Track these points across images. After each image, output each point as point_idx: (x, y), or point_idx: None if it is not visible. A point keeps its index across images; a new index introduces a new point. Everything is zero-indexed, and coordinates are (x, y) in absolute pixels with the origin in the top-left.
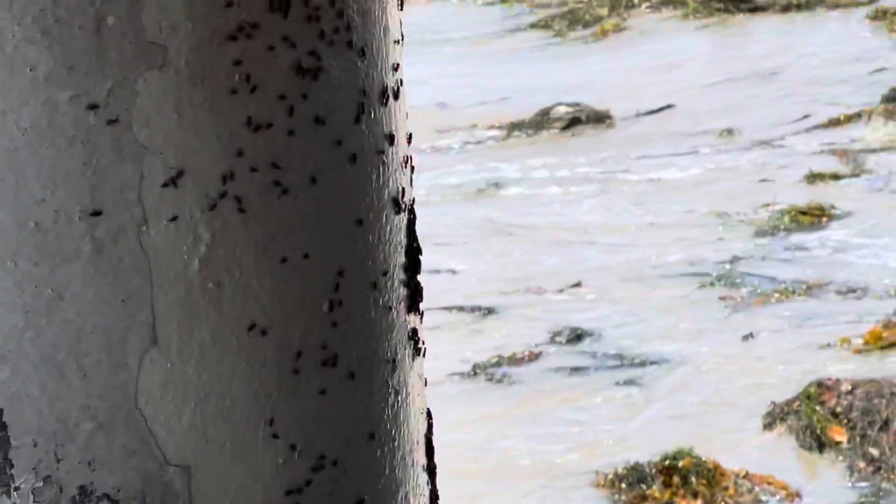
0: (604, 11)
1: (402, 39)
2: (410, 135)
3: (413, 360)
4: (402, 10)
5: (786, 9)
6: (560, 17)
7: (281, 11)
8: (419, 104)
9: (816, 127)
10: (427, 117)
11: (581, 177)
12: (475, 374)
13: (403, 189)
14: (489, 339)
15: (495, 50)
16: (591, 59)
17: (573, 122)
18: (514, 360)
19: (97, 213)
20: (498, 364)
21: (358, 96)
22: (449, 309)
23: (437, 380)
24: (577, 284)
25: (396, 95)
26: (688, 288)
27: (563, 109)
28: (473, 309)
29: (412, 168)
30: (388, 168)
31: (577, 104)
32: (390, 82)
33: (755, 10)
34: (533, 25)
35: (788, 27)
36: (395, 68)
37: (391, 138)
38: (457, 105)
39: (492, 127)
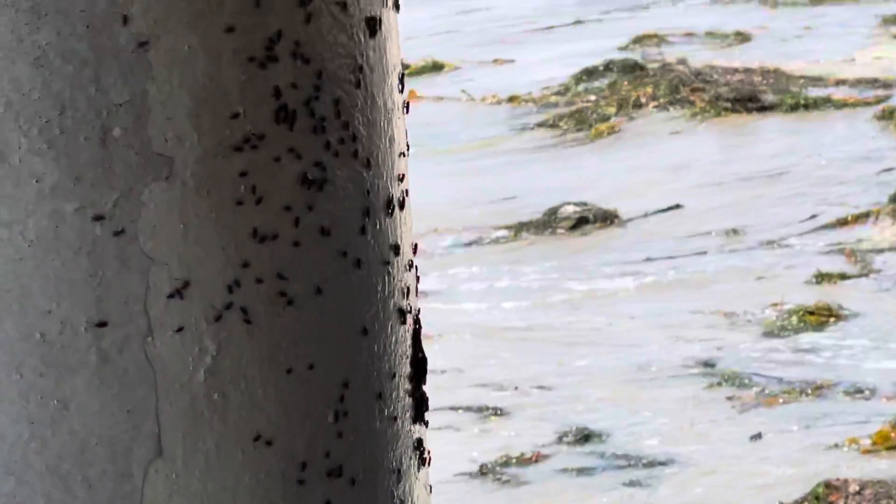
0: (611, 111)
1: (408, 149)
2: (416, 245)
3: (418, 469)
4: (407, 113)
5: (793, 109)
6: (567, 116)
7: (287, 123)
8: (426, 202)
9: (824, 227)
10: (432, 217)
11: (587, 277)
12: (483, 474)
13: (409, 299)
14: (496, 438)
15: (502, 149)
16: (599, 159)
17: (581, 222)
18: (522, 461)
19: (103, 324)
20: (506, 464)
21: (363, 207)
22: (455, 409)
23: (443, 478)
24: (585, 384)
25: (402, 205)
26: (695, 388)
27: (570, 209)
28: (480, 409)
29: (417, 278)
30: (394, 278)
31: (585, 204)
32: (396, 192)
33: (763, 109)
34: (540, 125)
35: (796, 127)
36: (401, 179)
37: (396, 248)
38: (464, 204)
39: (499, 227)
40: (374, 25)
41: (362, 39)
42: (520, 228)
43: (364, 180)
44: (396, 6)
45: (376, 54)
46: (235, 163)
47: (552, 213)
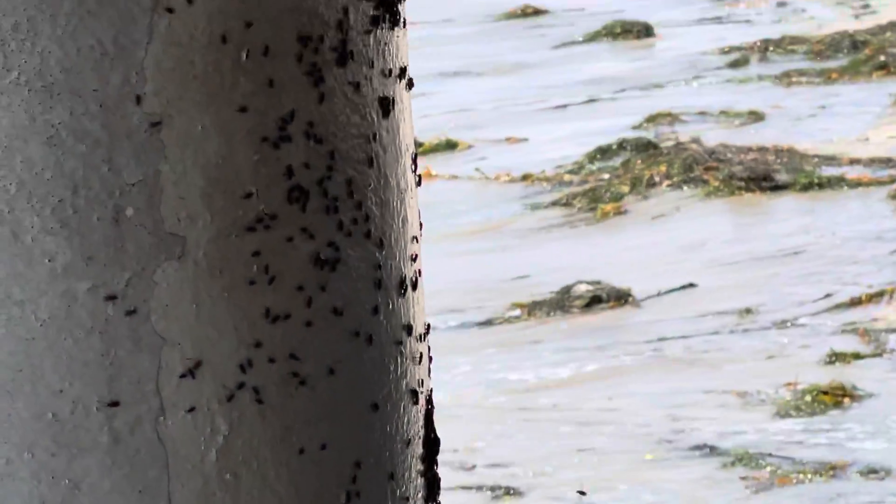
0: (625, 189)
1: (421, 228)
2: (429, 325)
3: None
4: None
5: (806, 188)
6: (581, 195)
7: (300, 203)
8: (438, 281)
9: (838, 306)
10: (445, 295)
11: (600, 355)
12: None
13: (421, 380)
14: None
15: (515, 228)
16: (612, 237)
17: (594, 301)
18: None
19: (115, 404)
20: None
21: (376, 287)
22: (468, 488)
23: None
24: (597, 464)
25: (415, 286)
26: (708, 468)
27: (583, 288)
28: (493, 488)
29: (430, 358)
30: (406, 359)
31: (598, 282)
32: (409, 272)
33: (777, 188)
34: (553, 203)
35: (810, 206)
36: (414, 259)
37: (409, 328)
38: (477, 283)
39: (512, 306)
40: (387, 106)
41: (375, 120)
42: (533, 307)
43: (377, 260)
44: (410, 85)
45: (389, 135)
46: (248, 243)
47: (565, 291)
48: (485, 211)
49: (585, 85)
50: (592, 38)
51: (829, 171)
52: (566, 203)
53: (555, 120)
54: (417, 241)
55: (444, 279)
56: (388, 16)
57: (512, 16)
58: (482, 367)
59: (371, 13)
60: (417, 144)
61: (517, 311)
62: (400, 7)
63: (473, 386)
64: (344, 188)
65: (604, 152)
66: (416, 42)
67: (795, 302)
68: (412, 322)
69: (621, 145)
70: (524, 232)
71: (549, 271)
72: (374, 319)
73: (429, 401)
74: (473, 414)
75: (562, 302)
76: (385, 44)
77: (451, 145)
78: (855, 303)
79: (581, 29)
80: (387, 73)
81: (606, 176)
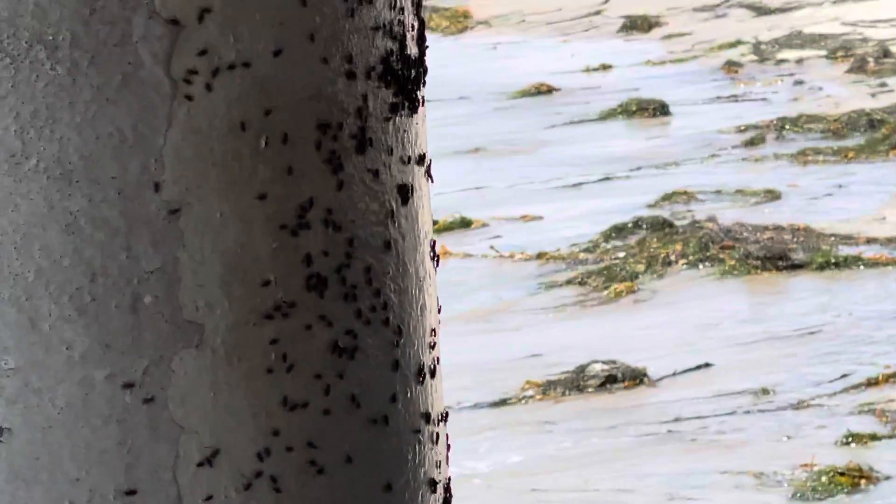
0: (640, 268)
1: (440, 311)
2: (447, 412)
3: None
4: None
5: (823, 267)
6: (596, 273)
7: (318, 290)
8: (453, 361)
9: (855, 386)
10: (460, 374)
11: (615, 436)
12: None
13: (440, 468)
14: None
15: (530, 307)
16: (627, 316)
17: (609, 380)
18: None
19: (132, 493)
20: None
21: (394, 375)
22: None
23: None
24: None
25: (433, 373)
26: None
27: (598, 367)
28: None
29: (448, 445)
30: (424, 447)
31: (613, 362)
32: (427, 360)
33: (793, 267)
34: (568, 282)
35: (827, 286)
36: (432, 346)
37: (427, 417)
38: (491, 362)
39: (527, 385)
40: (405, 193)
41: (394, 207)
42: (547, 387)
43: (395, 348)
44: (428, 174)
45: (408, 222)
46: (266, 330)
47: (580, 370)
48: (499, 289)
49: (601, 163)
50: (608, 116)
51: (845, 251)
52: (581, 282)
53: (570, 198)
54: (436, 329)
55: (457, 358)
56: (406, 103)
57: (527, 94)
58: (495, 447)
59: (390, 100)
60: (432, 222)
61: (531, 391)
62: (418, 94)
63: (486, 466)
64: (362, 275)
65: (619, 231)
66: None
67: (812, 382)
68: (430, 409)
69: (637, 224)
70: (538, 310)
71: (563, 350)
72: (392, 407)
73: (447, 489)
74: (486, 497)
75: (576, 381)
76: (404, 131)
77: (465, 223)
78: (872, 383)
79: (596, 107)
80: (405, 160)
81: (622, 254)
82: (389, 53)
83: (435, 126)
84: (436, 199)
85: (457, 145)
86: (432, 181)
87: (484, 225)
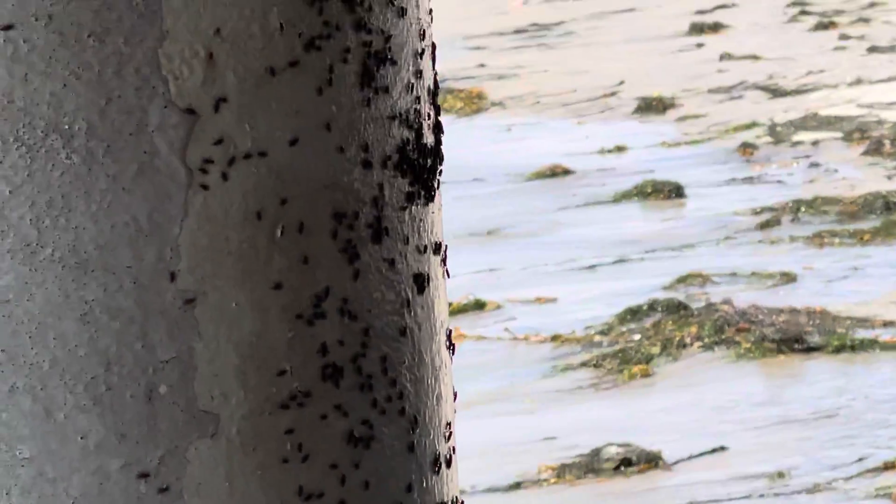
0: (655, 351)
1: (455, 399)
2: (462, 501)
3: None
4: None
5: (839, 350)
6: (611, 356)
7: (333, 380)
8: (467, 445)
9: (871, 470)
10: (472, 457)
11: None
12: None
13: None
14: None
15: (544, 389)
16: (643, 399)
17: (624, 463)
18: None
19: None
20: None
21: (410, 465)
22: None
23: None
24: None
25: (449, 463)
26: None
27: (613, 450)
28: None
29: None
30: None
31: (628, 444)
32: (443, 450)
33: (809, 350)
34: (583, 364)
35: (843, 369)
36: (448, 437)
37: None
38: (506, 446)
39: (542, 469)
40: (422, 282)
41: (410, 296)
42: (562, 470)
43: (411, 438)
44: (444, 262)
45: (424, 311)
46: (282, 420)
47: (595, 454)
48: (513, 371)
49: (615, 245)
50: (622, 197)
51: (861, 334)
52: (596, 364)
53: (585, 280)
54: (451, 420)
55: (471, 441)
56: (423, 192)
57: (541, 175)
58: None
59: (406, 189)
60: (448, 311)
61: (546, 474)
62: (434, 182)
63: None
64: (378, 365)
65: (634, 313)
66: (445, 202)
67: (828, 466)
68: (445, 499)
69: (652, 306)
70: (553, 393)
71: (577, 432)
72: (408, 497)
73: None
74: None
75: (591, 464)
76: (420, 220)
77: (479, 305)
78: (889, 467)
79: (611, 189)
80: (422, 249)
81: (637, 337)
82: (406, 142)
83: (449, 207)
84: (450, 280)
85: (471, 227)
86: (448, 276)
87: (498, 307)
